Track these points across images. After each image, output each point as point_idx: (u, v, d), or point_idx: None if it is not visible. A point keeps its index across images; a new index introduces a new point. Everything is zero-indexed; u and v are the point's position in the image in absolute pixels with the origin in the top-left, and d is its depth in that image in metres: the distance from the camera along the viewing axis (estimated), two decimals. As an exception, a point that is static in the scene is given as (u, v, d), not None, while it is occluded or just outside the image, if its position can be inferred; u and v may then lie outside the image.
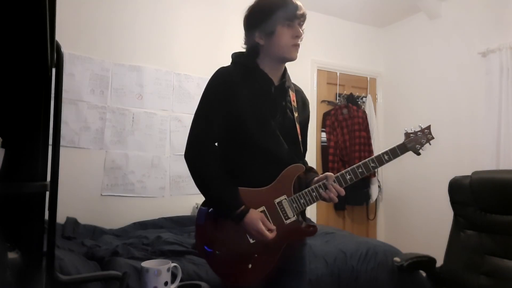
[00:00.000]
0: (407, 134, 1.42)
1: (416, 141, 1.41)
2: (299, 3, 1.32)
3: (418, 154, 1.42)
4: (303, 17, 1.33)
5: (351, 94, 3.99)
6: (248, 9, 1.36)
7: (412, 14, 3.88)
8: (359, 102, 4.05)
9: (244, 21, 1.37)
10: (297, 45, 1.33)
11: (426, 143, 1.42)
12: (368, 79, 4.22)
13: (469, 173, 2.07)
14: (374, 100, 4.22)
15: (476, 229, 1.99)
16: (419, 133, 1.42)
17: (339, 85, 4.03)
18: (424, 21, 3.75)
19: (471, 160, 3.14)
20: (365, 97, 4.16)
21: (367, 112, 4.08)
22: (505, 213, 1.88)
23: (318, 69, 3.91)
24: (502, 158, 2.94)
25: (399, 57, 4.11)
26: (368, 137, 3.94)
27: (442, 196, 2.21)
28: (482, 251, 1.93)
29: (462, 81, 3.38)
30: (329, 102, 3.98)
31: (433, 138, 1.43)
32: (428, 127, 1.44)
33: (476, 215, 1.98)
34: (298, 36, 1.31)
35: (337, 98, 4.00)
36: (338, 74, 4.03)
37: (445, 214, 2.24)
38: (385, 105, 4.25)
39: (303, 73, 3.77)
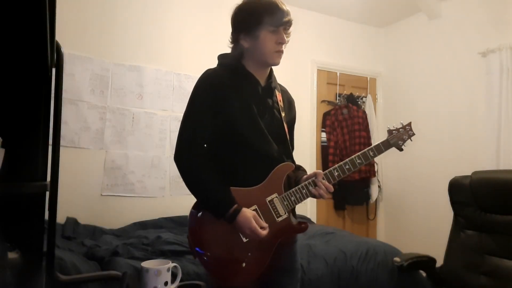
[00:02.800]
0: (389, 131, 1.47)
1: (398, 138, 1.46)
2: (285, 8, 1.32)
3: (401, 150, 1.47)
4: (289, 23, 1.33)
5: (351, 94, 3.99)
6: (235, 9, 1.36)
7: (412, 14, 3.88)
8: (359, 102, 4.05)
9: (230, 20, 1.38)
10: (281, 51, 1.34)
11: (407, 139, 1.47)
12: (368, 79, 4.22)
13: (469, 173, 2.07)
14: (374, 100, 4.22)
15: (476, 229, 1.99)
16: (401, 129, 1.47)
17: (339, 85, 4.03)
18: (424, 21, 3.74)
19: (471, 160, 3.14)
20: (365, 97, 4.16)
21: (367, 112, 4.08)
22: (505, 213, 1.88)
23: (318, 69, 3.90)
24: (502, 158, 2.94)
25: (399, 57, 4.11)
26: (368, 137, 3.94)
27: (442, 196, 2.21)
28: (482, 251, 1.93)
29: (462, 81, 3.38)
30: (329, 102, 3.98)
31: (413, 134, 1.48)
32: (409, 124, 1.48)
33: (476, 215, 1.98)
34: (282, 42, 1.32)
35: (337, 98, 4.00)
36: (338, 74, 4.03)
37: (445, 214, 2.24)
38: (385, 105, 4.25)
39: (303, 73, 3.76)
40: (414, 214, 3.78)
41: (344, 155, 3.81)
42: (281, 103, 1.43)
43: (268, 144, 1.33)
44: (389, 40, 4.23)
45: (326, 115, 3.91)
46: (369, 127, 4.01)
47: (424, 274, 2.15)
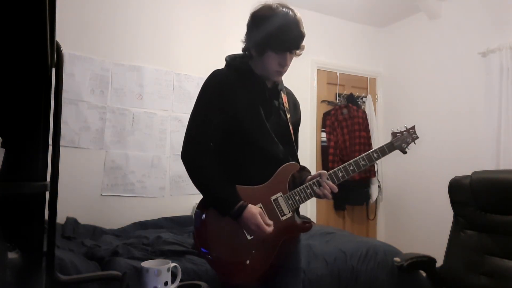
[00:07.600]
0: (393, 134, 1.49)
1: (402, 140, 1.48)
2: (299, 31, 1.30)
3: (405, 152, 1.49)
4: (296, 48, 1.32)
5: (351, 94, 3.99)
6: (251, 15, 1.34)
7: (412, 14, 3.88)
8: (359, 102, 4.05)
9: (248, 19, 1.36)
10: (281, 72, 1.36)
11: (411, 142, 1.49)
12: (368, 79, 4.22)
13: (469, 173, 2.07)
14: (374, 100, 4.22)
15: (476, 229, 1.99)
16: (404, 132, 1.49)
17: (339, 85, 4.03)
18: (424, 21, 3.74)
19: (471, 160, 3.14)
20: (365, 97, 4.16)
21: (367, 112, 4.08)
22: (505, 213, 1.89)
23: (318, 69, 3.90)
24: (502, 158, 2.94)
25: (399, 57, 4.11)
26: (368, 137, 3.94)
27: (442, 196, 2.21)
28: (482, 251, 1.93)
29: (462, 81, 3.38)
30: (329, 102, 3.98)
31: (417, 137, 1.50)
32: (413, 127, 1.50)
33: (476, 215, 1.98)
34: (283, 65, 1.33)
35: (337, 98, 4.00)
36: (338, 74, 4.03)
37: (445, 214, 2.24)
38: (385, 105, 4.25)
39: (303, 73, 3.77)
40: (414, 214, 3.78)
41: (344, 155, 3.81)
42: (286, 105, 1.45)
43: (274, 144, 1.35)
44: (389, 40, 4.22)
45: (326, 115, 3.90)
46: (369, 127, 4.01)
47: (424, 274, 2.15)
